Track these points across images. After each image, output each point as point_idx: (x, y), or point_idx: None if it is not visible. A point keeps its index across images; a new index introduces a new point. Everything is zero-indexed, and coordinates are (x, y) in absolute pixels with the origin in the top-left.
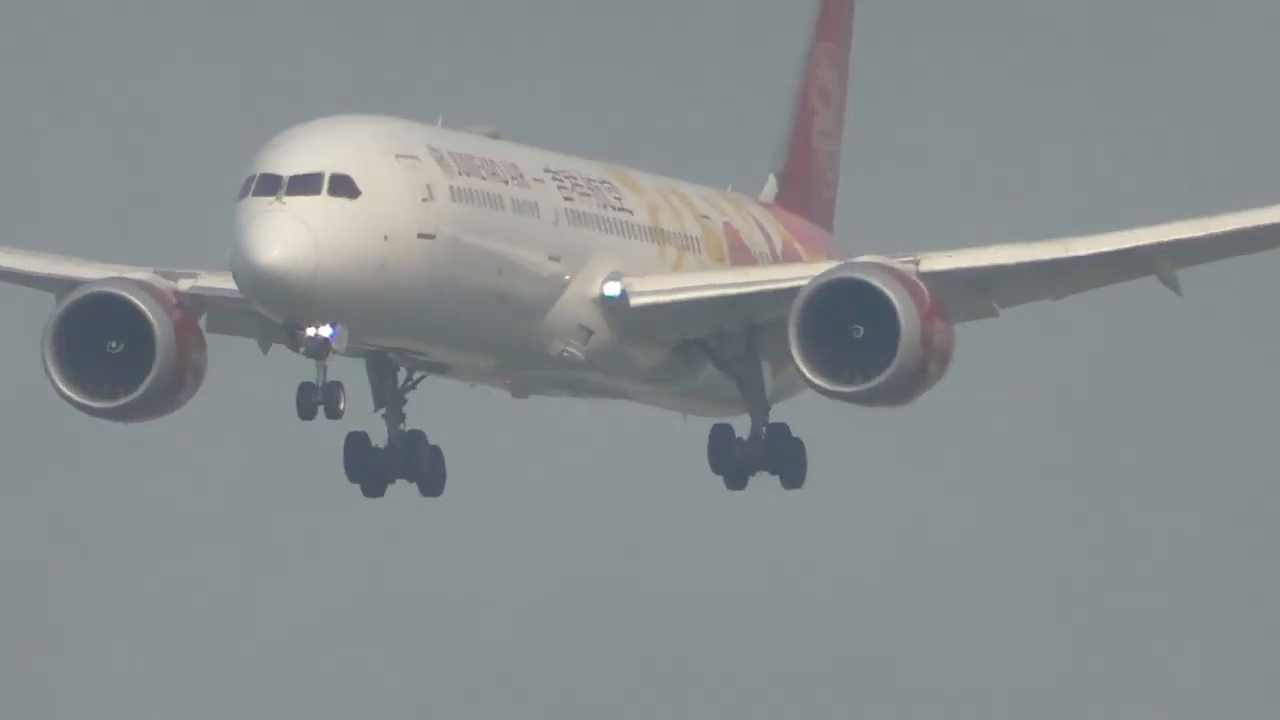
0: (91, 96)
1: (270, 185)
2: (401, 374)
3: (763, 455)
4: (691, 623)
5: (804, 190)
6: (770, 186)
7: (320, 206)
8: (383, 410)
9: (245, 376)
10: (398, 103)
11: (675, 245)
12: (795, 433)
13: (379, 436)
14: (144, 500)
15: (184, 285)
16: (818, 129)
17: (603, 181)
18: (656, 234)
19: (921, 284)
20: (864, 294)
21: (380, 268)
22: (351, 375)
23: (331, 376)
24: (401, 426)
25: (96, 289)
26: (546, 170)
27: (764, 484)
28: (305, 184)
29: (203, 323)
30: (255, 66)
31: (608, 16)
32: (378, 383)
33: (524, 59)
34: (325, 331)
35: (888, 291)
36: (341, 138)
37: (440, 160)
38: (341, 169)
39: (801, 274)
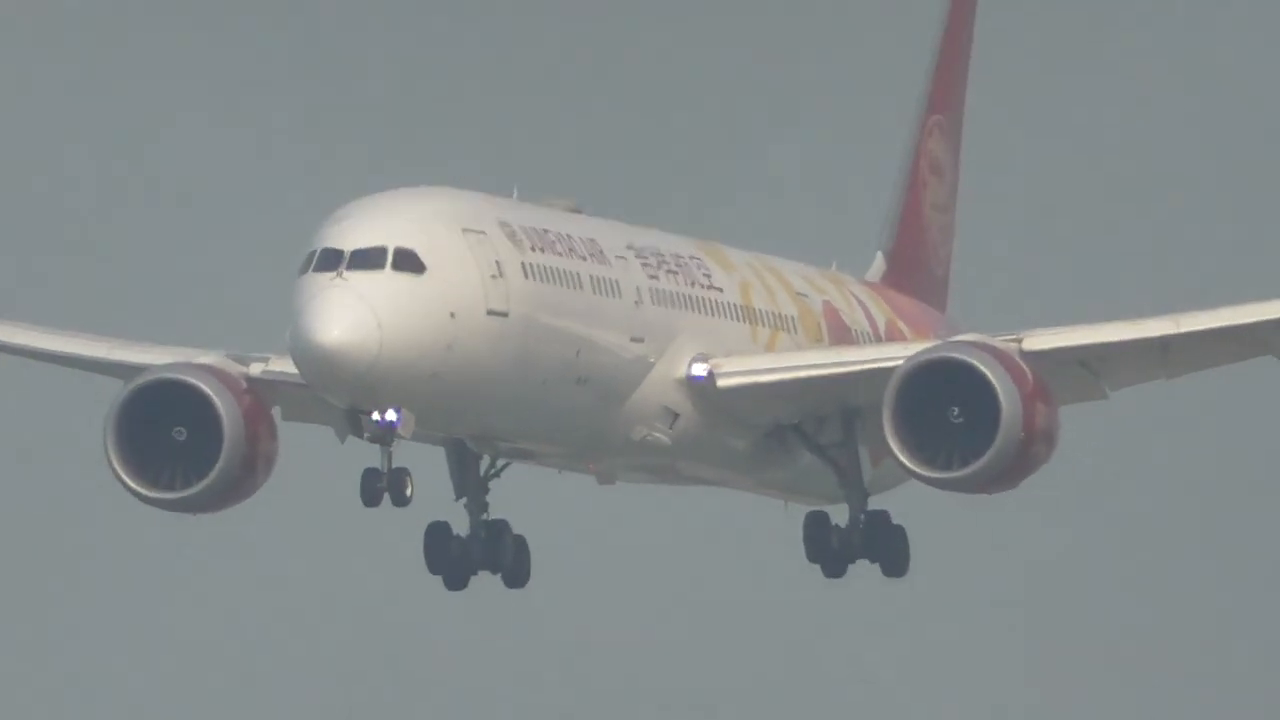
0: (166, 174)
1: (331, 260)
2: (484, 461)
3: (862, 542)
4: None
5: (914, 268)
6: (878, 265)
7: (384, 283)
8: (464, 499)
9: (321, 465)
10: (473, 174)
11: (768, 325)
12: (896, 520)
13: (460, 526)
14: (218, 594)
15: (255, 370)
16: (929, 203)
17: (691, 258)
18: (748, 313)
19: (1024, 364)
20: (962, 374)
21: (447, 348)
22: (432, 463)
23: (402, 462)
24: (484, 515)
25: (161, 375)
26: (629, 247)
27: (864, 572)
28: (368, 259)
29: (276, 411)
30: (330, 137)
31: (708, 89)
32: (459, 470)
33: (612, 128)
34: (390, 416)
35: (986, 372)
36: (406, 211)
37: (512, 235)
38: (406, 243)
39: (898, 354)
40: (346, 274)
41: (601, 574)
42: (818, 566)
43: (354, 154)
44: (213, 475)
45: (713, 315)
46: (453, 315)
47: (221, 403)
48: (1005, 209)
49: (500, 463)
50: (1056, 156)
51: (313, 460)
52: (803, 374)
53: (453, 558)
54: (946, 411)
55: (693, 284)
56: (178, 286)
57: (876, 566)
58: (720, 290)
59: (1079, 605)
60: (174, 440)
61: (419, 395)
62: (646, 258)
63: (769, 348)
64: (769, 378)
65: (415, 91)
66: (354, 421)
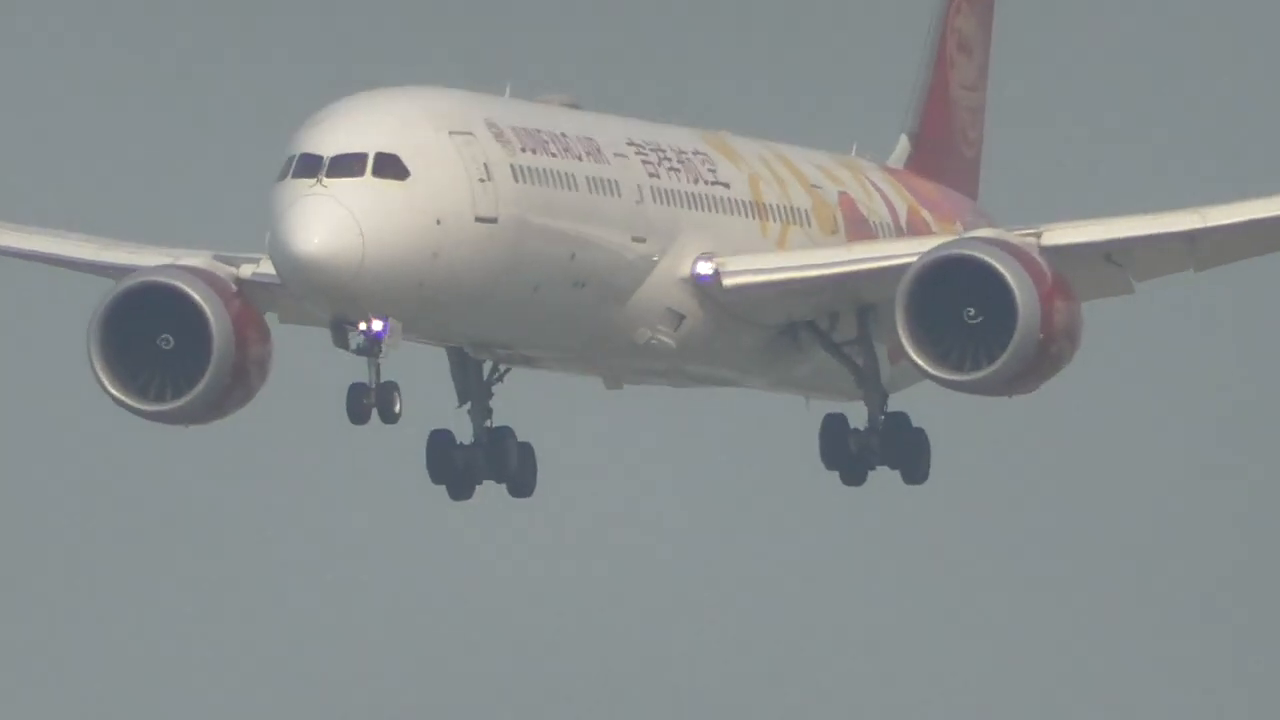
0: (152, 72)
1: (310, 166)
2: (487, 366)
3: (881, 448)
4: (806, 629)
5: (941, 152)
6: (902, 148)
7: (365, 189)
8: (468, 405)
9: (320, 369)
10: (465, 70)
11: (779, 219)
12: (916, 422)
13: (463, 434)
14: (209, 506)
15: (246, 271)
16: (957, 82)
17: (696, 153)
18: (757, 208)
19: (1042, 260)
20: (977, 272)
21: (433, 255)
22: (434, 368)
23: (401, 365)
24: (488, 423)
25: (145, 278)
26: (630, 143)
27: (884, 479)
28: (348, 165)
29: (272, 315)
30: (320, 32)
31: None
32: (461, 376)
33: (613, 14)
34: (375, 326)
35: (1002, 269)
36: (388, 113)
37: (500, 136)
38: (388, 147)
39: (911, 250)
40: (326, 181)
41: (610, 482)
42: (835, 473)
43: (343, 47)
44: (201, 385)
45: (718, 211)
46: (438, 222)
47: (210, 308)
48: (1039, 89)
49: (503, 368)
50: (1095, 34)
51: (311, 365)
52: (812, 273)
53: (456, 467)
54: (963, 311)
55: (696, 180)
56: (166, 183)
57: (897, 474)
58: (726, 185)
59: (1103, 512)
60: (161, 348)
61: (405, 305)
62: (647, 154)
63: (780, 243)
64: (776, 276)
65: None
66: (339, 332)
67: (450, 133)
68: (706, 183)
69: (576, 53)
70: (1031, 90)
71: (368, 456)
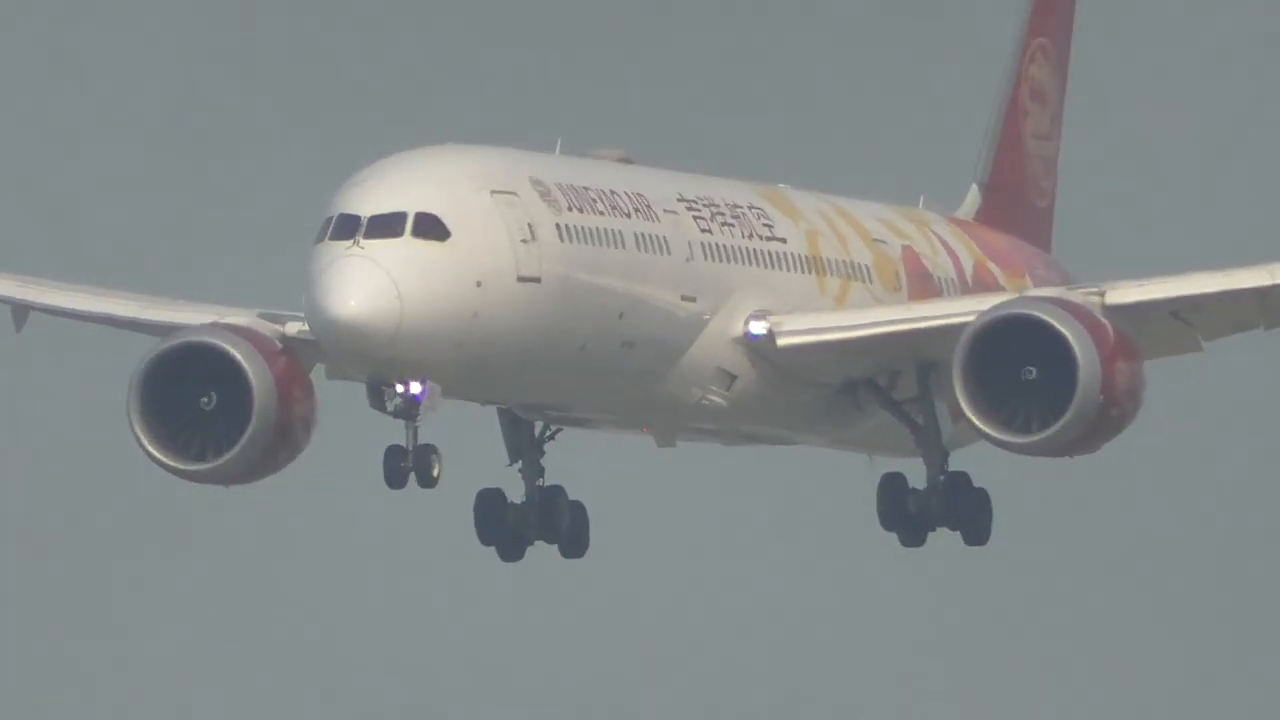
0: (203, 126)
1: (348, 227)
2: (538, 425)
3: (941, 508)
4: (864, 693)
5: (1013, 202)
6: (972, 199)
7: (403, 250)
8: (519, 464)
9: (368, 427)
10: (516, 128)
11: (838, 275)
12: (978, 482)
13: (514, 493)
14: (255, 568)
15: (292, 329)
16: (1030, 132)
17: (751, 208)
18: (814, 263)
19: (1104, 320)
20: (1038, 332)
21: (473, 316)
22: (484, 426)
23: (452, 423)
24: (540, 481)
25: (186, 338)
26: (681, 199)
27: (944, 540)
28: (386, 225)
29: (320, 371)
30: (371, 88)
31: (777, 14)
32: (512, 434)
33: (672, 67)
34: (414, 389)
35: (1062, 329)
36: (428, 173)
37: (546, 194)
38: (427, 207)
39: (972, 309)
40: (364, 242)
41: (664, 542)
42: (894, 535)
43: (392, 103)
44: (242, 443)
45: (774, 268)
46: (479, 283)
47: (251, 366)
48: (1114, 139)
49: (554, 426)
50: (1171, 83)
51: (361, 422)
52: (867, 332)
53: (506, 527)
54: (1022, 371)
55: (751, 235)
56: (213, 240)
57: (957, 535)
58: (783, 241)
59: (1169, 574)
60: (203, 407)
61: (445, 367)
62: (699, 209)
63: (839, 300)
64: (831, 336)
65: (459, 40)
66: (375, 394)
67: (493, 192)
68: (761, 238)
69: (632, 107)
70: (1107, 141)
71: (418, 516)
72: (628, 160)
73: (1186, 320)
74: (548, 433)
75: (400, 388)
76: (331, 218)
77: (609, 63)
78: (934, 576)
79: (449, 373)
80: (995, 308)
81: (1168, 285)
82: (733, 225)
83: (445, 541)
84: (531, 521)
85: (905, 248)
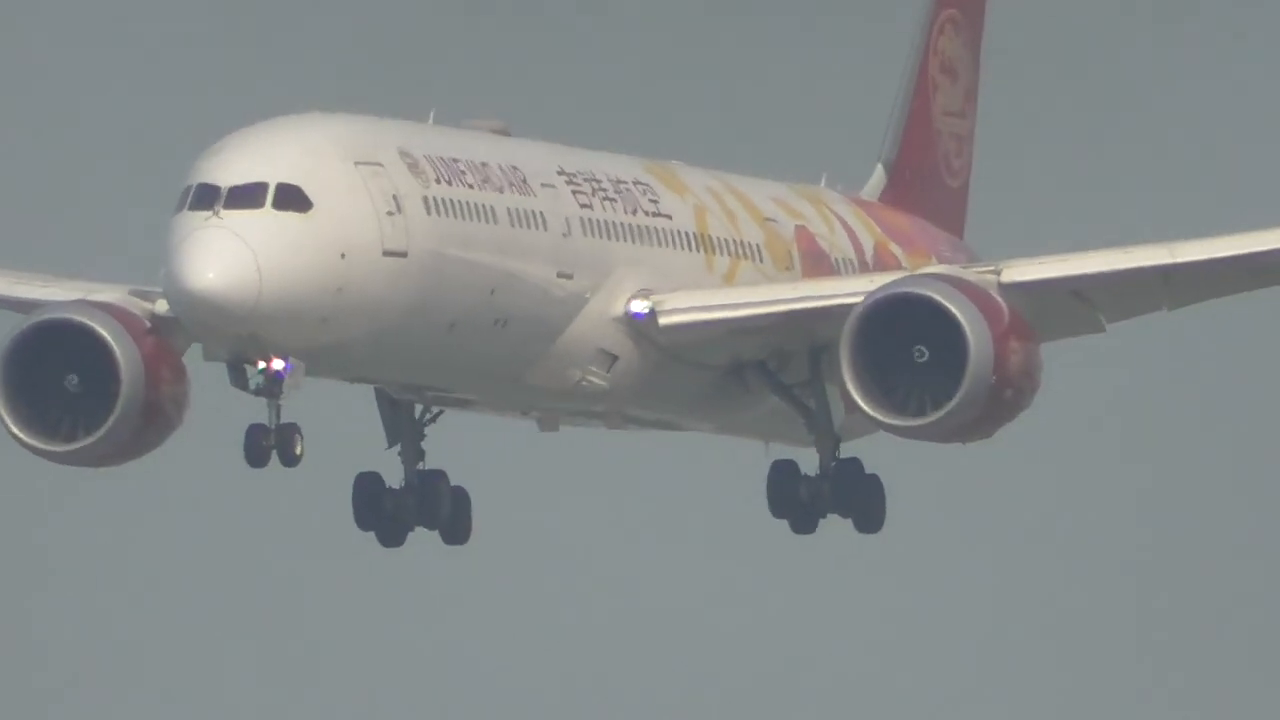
0: (73, 97)
1: (207, 198)
2: (419, 407)
3: (832, 494)
4: (745, 686)
5: (921, 182)
6: (877, 179)
7: (263, 222)
8: (398, 448)
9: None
10: (390, 95)
11: (727, 253)
12: (872, 469)
13: (393, 477)
14: (120, 550)
15: (162, 307)
16: (940, 108)
17: (636, 183)
18: (702, 241)
19: (998, 298)
20: (927, 311)
21: (337, 291)
22: (364, 405)
23: (325, 403)
24: (420, 465)
25: (50, 315)
26: (560, 172)
27: (836, 528)
28: (247, 196)
29: (197, 350)
30: (243, 57)
31: None
32: (390, 416)
33: (561, 35)
34: (276, 366)
35: (952, 307)
36: (290, 142)
37: (414, 166)
38: (289, 178)
39: (861, 288)
40: (223, 212)
41: (548, 530)
42: (785, 521)
43: (266, 72)
44: (109, 424)
45: (658, 245)
46: (343, 256)
47: (118, 345)
48: (1035, 114)
49: (435, 409)
50: (1093, 56)
51: (237, 402)
52: (753, 311)
53: (385, 512)
54: (913, 352)
55: (635, 211)
56: (84, 215)
57: (849, 522)
58: (669, 217)
59: (1064, 564)
60: (69, 388)
61: (308, 343)
62: (579, 184)
63: (728, 279)
64: (715, 315)
65: (331, 4)
66: (237, 372)
67: (357, 163)
68: (646, 214)
69: (516, 78)
70: (1025, 116)
71: (294, 500)
72: (505, 132)
73: (1088, 300)
74: (428, 415)
75: (262, 364)
76: (190, 187)
77: (493, 30)
78: (825, 564)
79: (312, 349)
80: (883, 286)
81: (1065, 263)
82: (615, 201)
83: (322, 526)
84: (411, 507)
85: (799, 227)
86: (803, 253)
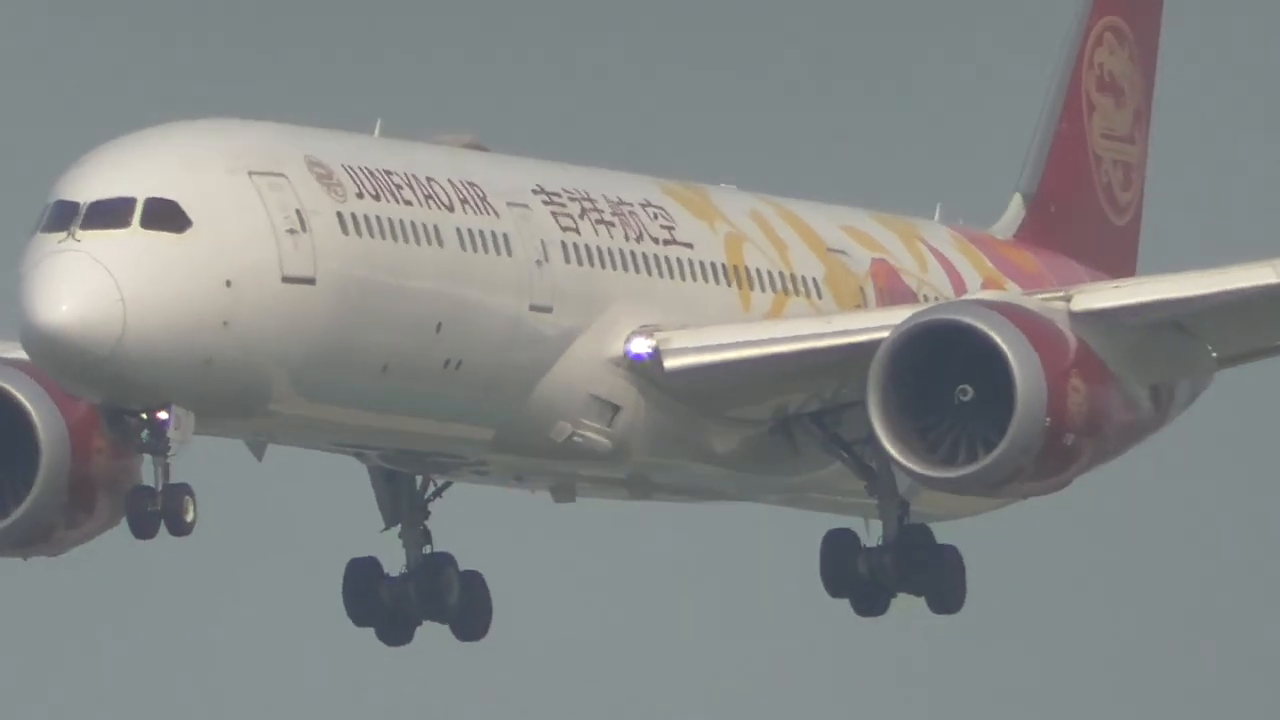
0: None
1: (64, 216)
2: (419, 478)
3: (896, 568)
4: None
5: (1071, 216)
6: (1013, 212)
7: (129, 243)
8: (398, 528)
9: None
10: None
11: (770, 288)
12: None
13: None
14: (72, 654)
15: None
16: (1098, 130)
17: (646, 205)
18: (735, 274)
19: (1064, 329)
20: (971, 344)
21: (223, 325)
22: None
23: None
24: (427, 548)
25: None
26: (538, 191)
27: (906, 608)
28: (110, 213)
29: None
30: (177, 61)
31: None
32: (385, 490)
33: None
34: (160, 415)
35: (994, 335)
36: (167, 150)
37: (326, 178)
38: (163, 192)
39: (894, 320)
40: (80, 233)
41: (574, 621)
42: (846, 601)
43: (193, 79)
44: (25, 506)
45: (671, 277)
46: (228, 283)
47: (36, 410)
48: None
49: (439, 481)
50: None
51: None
52: (777, 349)
53: (382, 604)
54: (956, 391)
55: (640, 238)
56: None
57: (923, 601)
58: (689, 245)
59: (1174, 644)
60: None
61: (190, 389)
62: (563, 204)
63: (773, 318)
64: (731, 355)
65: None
66: (115, 423)
67: (251, 173)
68: (657, 241)
69: (540, 93)
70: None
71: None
72: (478, 146)
73: (1192, 332)
74: (432, 488)
75: (143, 414)
76: (47, 206)
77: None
78: (891, 650)
79: (198, 397)
80: (918, 313)
81: (1149, 286)
82: (612, 224)
83: (310, 622)
84: (412, 596)
85: (878, 260)
86: (880, 289)
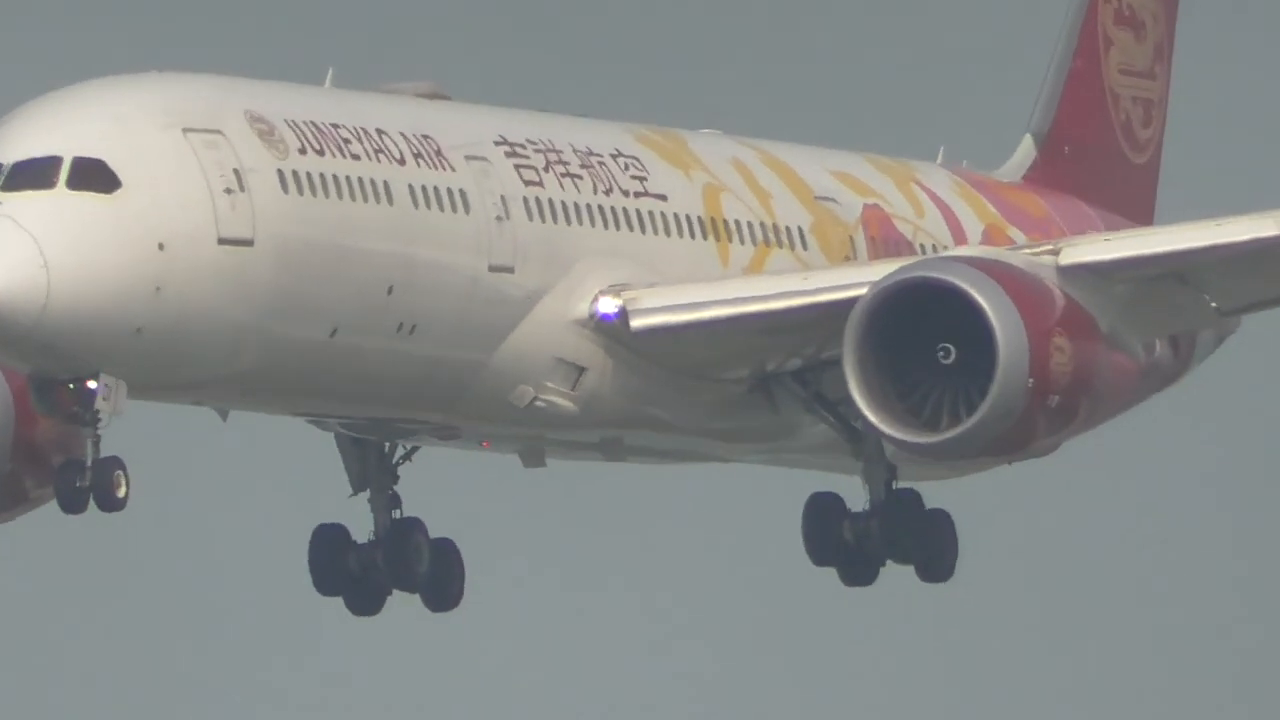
0: None
1: None
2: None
3: (883, 534)
4: None
5: (1086, 156)
6: (1023, 153)
7: (54, 205)
8: (366, 493)
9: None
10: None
11: (750, 240)
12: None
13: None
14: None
15: None
16: (1114, 65)
17: (617, 155)
18: (713, 226)
19: (1050, 285)
20: (951, 302)
21: (155, 291)
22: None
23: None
24: (396, 513)
25: None
26: (501, 142)
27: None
28: (35, 174)
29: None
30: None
31: None
32: (353, 454)
33: None
34: (89, 385)
35: (973, 292)
36: (95, 107)
37: (268, 134)
38: (90, 151)
39: (874, 276)
40: (2, 195)
41: (549, 589)
42: (832, 570)
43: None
44: None
45: (645, 232)
46: (161, 246)
47: None
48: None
49: (407, 445)
50: None
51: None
52: (751, 308)
53: (350, 572)
54: (938, 353)
55: (610, 190)
56: None
57: (911, 568)
58: (661, 197)
59: (1175, 618)
60: None
61: (121, 358)
62: (526, 156)
63: (753, 271)
64: (702, 315)
65: None
66: (44, 394)
67: (186, 130)
68: (627, 194)
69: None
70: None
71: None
72: (439, 95)
73: (1194, 285)
74: (400, 452)
75: (70, 385)
76: None
77: None
78: (878, 620)
79: (130, 366)
80: (896, 271)
81: (1140, 239)
82: (579, 177)
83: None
84: (379, 564)
85: (870, 206)
86: (872, 238)
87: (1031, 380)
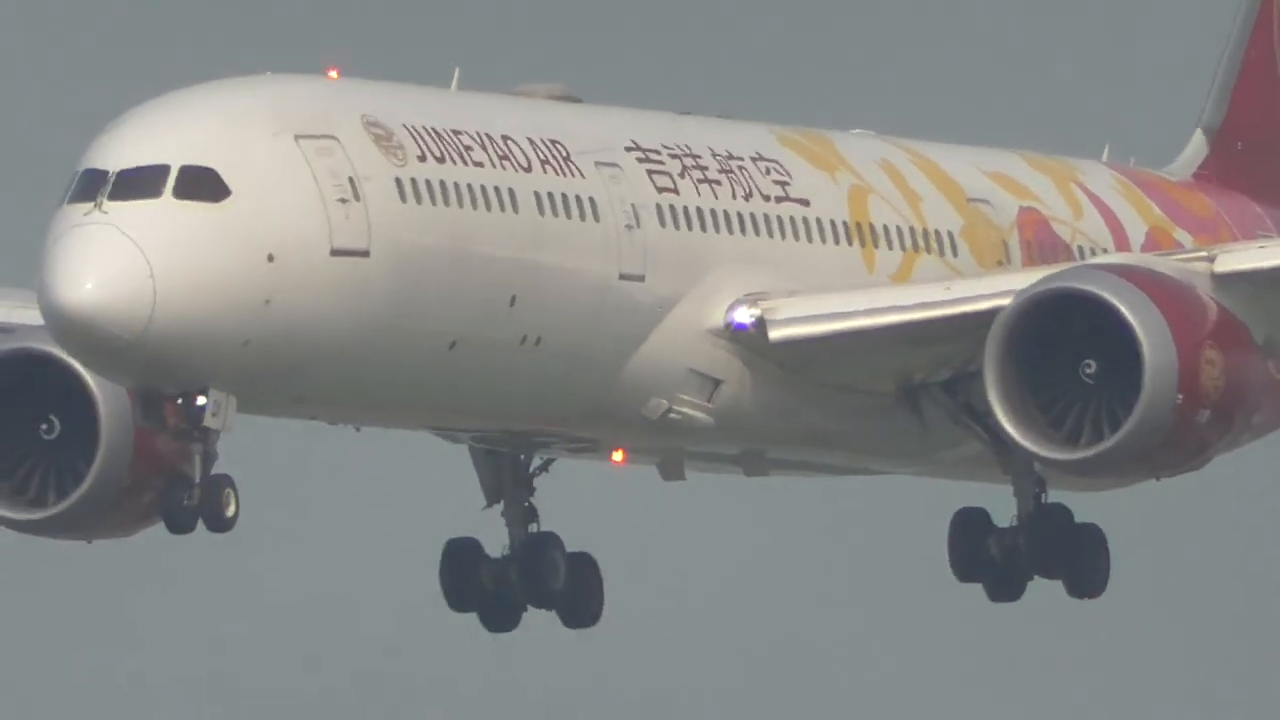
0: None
1: (92, 186)
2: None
3: (1031, 550)
4: None
5: (1261, 150)
6: (1194, 149)
7: (161, 214)
8: (500, 505)
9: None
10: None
11: (898, 246)
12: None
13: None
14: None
15: None
16: None
17: (758, 159)
18: (858, 231)
19: (1203, 295)
20: (1097, 313)
21: (265, 304)
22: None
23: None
24: (533, 527)
25: (19, 344)
26: (633, 148)
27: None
28: (141, 182)
29: None
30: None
31: None
32: (487, 465)
33: None
34: (198, 400)
35: (1118, 304)
36: (204, 113)
37: (385, 139)
38: (198, 158)
39: (1018, 285)
40: (108, 204)
41: (691, 607)
42: (979, 586)
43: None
44: (88, 483)
45: (787, 238)
46: (271, 258)
47: (97, 385)
48: None
49: (543, 456)
50: None
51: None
52: (889, 319)
53: (483, 588)
54: (1082, 366)
55: (750, 195)
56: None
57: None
58: (804, 202)
59: None
60: (41, 437)
61: (229, 372)
62: (660, 161)
63: (901, 278)
64: (840, 326)
65: None
66: (151, 409)
67: (298, 136)
68: (768, 199)
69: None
70: None
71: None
72: (569, 98)
73: None
74: (536, 463)
75: (178, 401)
76: (75, 174)
77: None
78: (1032, 638)
79: (238, 380)
80: (1040, 281)
81: None
82: (717, 182)
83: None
84: (513, 580)
85: (1026, 209)
86: (1027, 242)
87: (1180, 396)
